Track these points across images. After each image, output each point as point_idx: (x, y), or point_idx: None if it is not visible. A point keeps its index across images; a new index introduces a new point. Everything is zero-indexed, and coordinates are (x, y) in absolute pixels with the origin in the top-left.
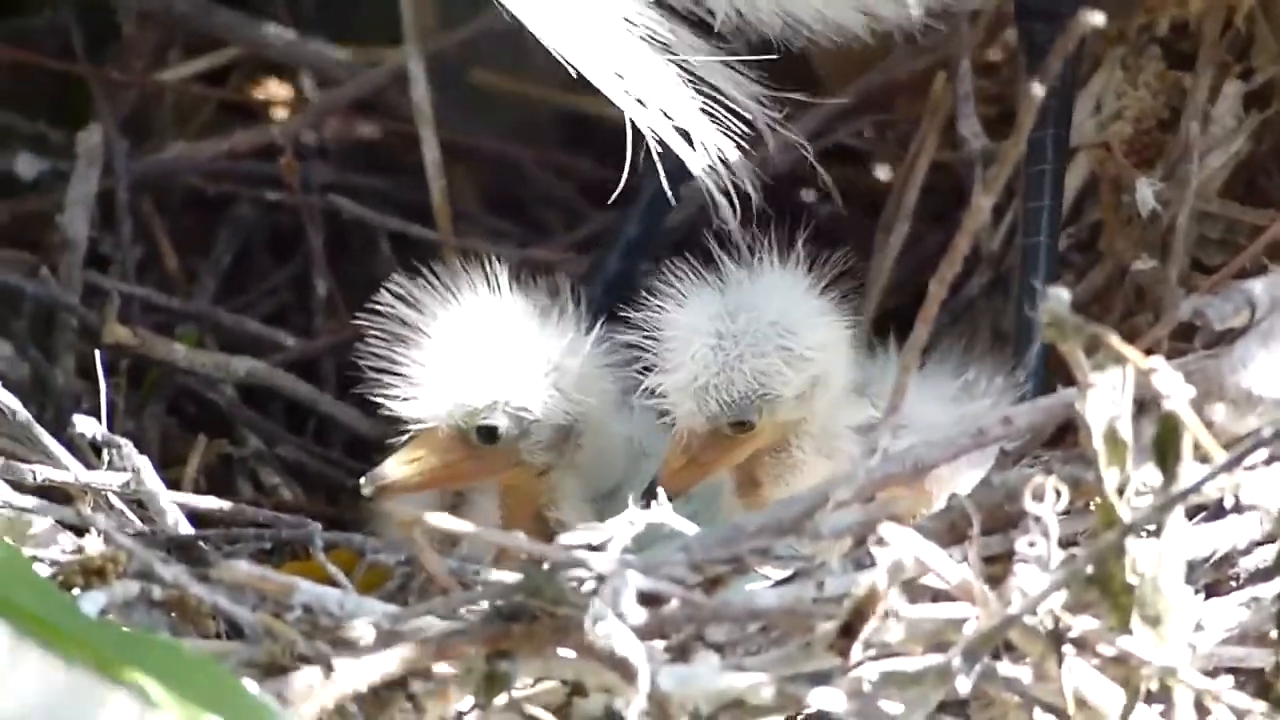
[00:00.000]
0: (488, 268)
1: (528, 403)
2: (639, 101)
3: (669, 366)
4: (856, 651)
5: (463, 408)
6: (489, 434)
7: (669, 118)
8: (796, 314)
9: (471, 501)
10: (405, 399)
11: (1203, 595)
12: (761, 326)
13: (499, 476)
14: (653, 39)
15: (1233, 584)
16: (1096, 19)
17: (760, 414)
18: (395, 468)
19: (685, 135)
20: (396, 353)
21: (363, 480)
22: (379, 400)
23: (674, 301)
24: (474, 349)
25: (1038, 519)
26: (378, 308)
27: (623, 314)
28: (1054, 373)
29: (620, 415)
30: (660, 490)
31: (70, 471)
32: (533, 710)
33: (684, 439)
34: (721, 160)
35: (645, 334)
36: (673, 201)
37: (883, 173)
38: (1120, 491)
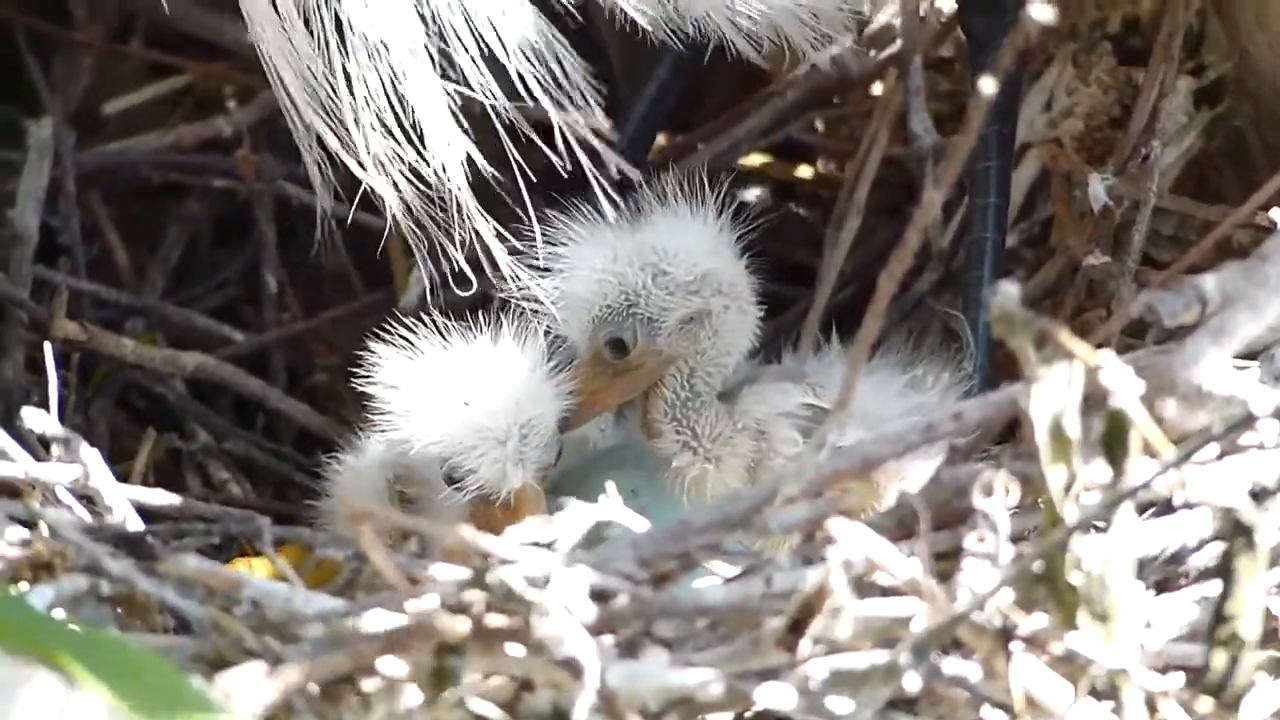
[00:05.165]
0: None
1: None
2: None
3: (561, 281)
4: (805, 648)
5: None
6: None
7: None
8: (682, 244)
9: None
10: None
11: (1153, 592)
12: (643, 248)
13: None
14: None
15: (1183, 581)
16: (1045, 15)
17: (635, 337)
18: None
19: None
20: None
21: None
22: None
23: (578, 232)
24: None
25: (986, 515)
26: None
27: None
28: (1005, 369)
29: None
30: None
31: (19, 465)
32: (481, 706)
33: (578, 368)
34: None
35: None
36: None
37: (834, 167)
38: (1067, 488)
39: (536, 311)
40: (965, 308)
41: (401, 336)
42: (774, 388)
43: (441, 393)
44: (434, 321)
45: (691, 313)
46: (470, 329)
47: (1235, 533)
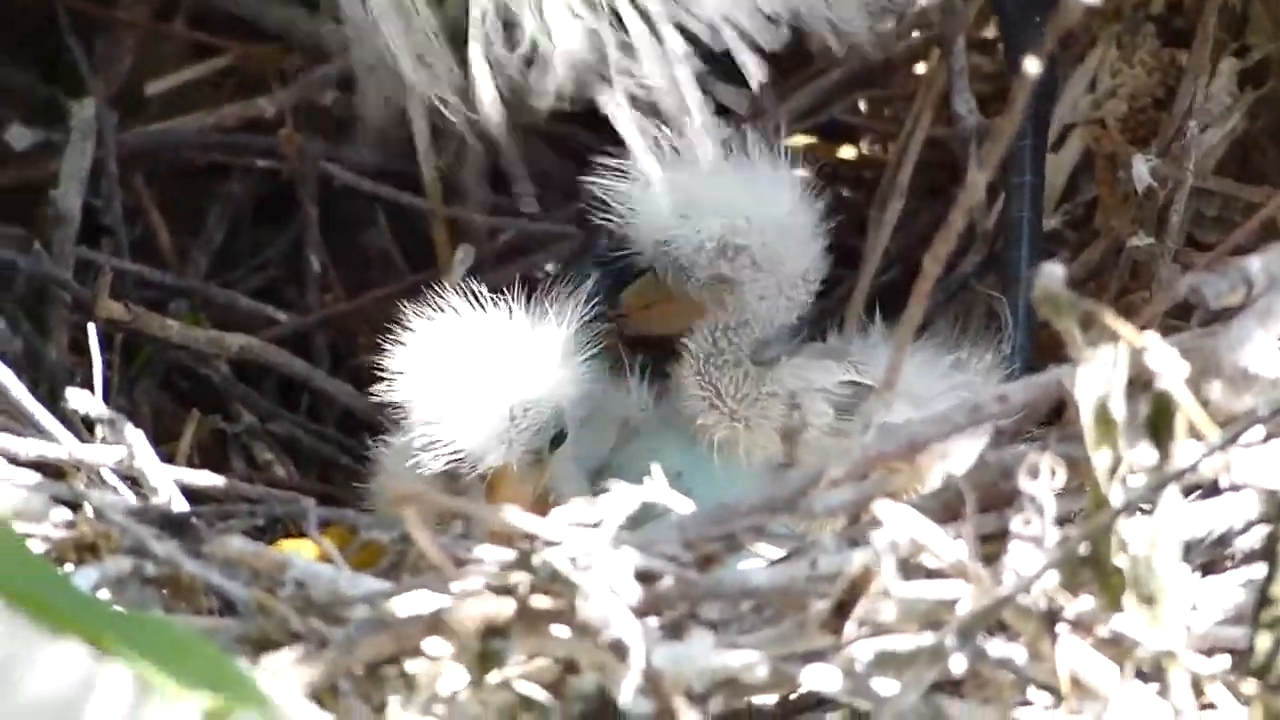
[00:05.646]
0: None
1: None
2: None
3: (634, 200)
4: (850, 630)
5: None
6: None
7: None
8: (737, 211)
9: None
10: None
11: (1199, 575)
12: (697, 201)
13: None
14: None
15: (1228, 564)
16: None
17: (667, 270)
18: None
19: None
20: None
21: None
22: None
23: (666, 163)
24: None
25: (1032, 498)
26: None
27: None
28: (1049, 351)
29: (614, 395)
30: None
31: (64, 446)
32: (526, 688)
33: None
34: None
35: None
36: None
37: (877, 148)
38: (1112, 470)
39: (610, 219)
40: (1004, 288)
41: (432, 305)
42: (814, 363)
43: (442, 361)
44: (471, 295)
45: (717, 275)
46: (498, 305)
47: None
